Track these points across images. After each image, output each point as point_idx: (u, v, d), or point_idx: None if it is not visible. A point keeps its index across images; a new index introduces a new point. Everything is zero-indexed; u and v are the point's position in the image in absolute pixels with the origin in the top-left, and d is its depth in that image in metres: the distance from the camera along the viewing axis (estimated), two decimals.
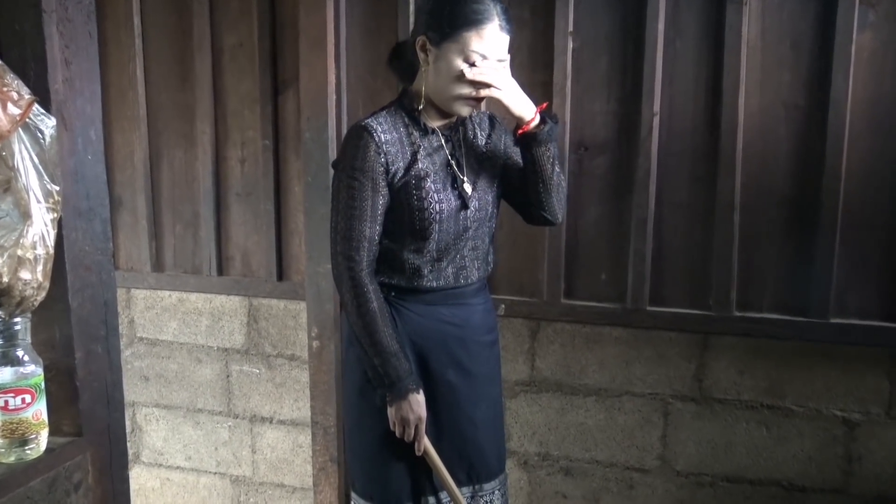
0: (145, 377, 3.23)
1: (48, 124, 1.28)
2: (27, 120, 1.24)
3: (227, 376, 3.12)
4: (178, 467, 3.29)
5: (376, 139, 1.82)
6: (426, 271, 1.94)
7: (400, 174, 1.86)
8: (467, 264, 1.99)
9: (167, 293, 3.13)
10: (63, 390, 1.51)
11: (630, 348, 2.60)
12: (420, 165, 1.87)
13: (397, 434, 1.91)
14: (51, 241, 1.31)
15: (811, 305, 2.39)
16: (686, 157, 2.45)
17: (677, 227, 2.49)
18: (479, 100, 1.85)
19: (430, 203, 1.87)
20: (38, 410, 1.33)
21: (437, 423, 1.97)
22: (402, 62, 1.96)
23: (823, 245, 2.34)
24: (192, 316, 3.11)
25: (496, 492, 2.10)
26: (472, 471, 2.04)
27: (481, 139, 2.03)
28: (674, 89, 2.42)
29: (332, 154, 2.69)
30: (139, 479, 3.32)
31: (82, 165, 1.45)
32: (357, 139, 1.83)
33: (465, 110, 1.87)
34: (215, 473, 3.24)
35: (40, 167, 1.26)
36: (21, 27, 1.34)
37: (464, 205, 1.92)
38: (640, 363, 2.60)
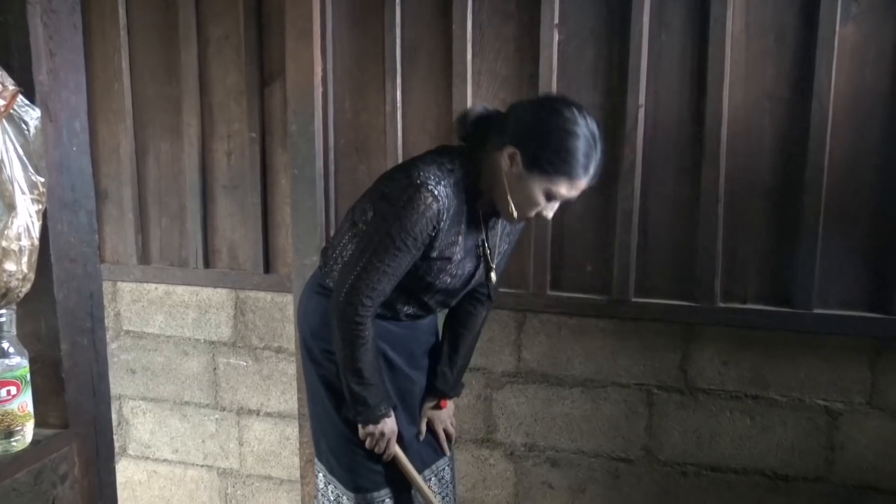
0: (132, 370, 3.23)
1: (32, 115, 1.28)
2: (11, 111, 1.23)
3: (214, 369, 3.12)
4: (165, 460, 3.29)
5: (439, 211, 1.78)
6: (410, 310, 2.02)
7: (438, 248, 1.85)
8: (450, 303, 2.11)
9: (153, 286, 3.12)
10: (49, 382, 1.51)
11: (615, 339, 2.62)
12: (457, 247, 1.88)
13: (367, 446, 1.99)
14: (36, 233, 1.31)
15: (795, 296, 2.41)
16: (671, 150, 2.46)
17: (662, 218, 2.50)
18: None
19: (444, 279, 1.92)
20: (23, 402, 1.33)
21: (408, 411, 2.10)
22: (476, 129, 1.91)
23: (806, 236, 2.37)
24: (179, 309, 3.11)
25: (446, 468, 2.24)
26: (432, 449, 2.20)
27: (504, 227, 2.07)
28: (659, 82, 2.44)
29: (319, 146, 2.69)
30: (126, 472, 3.32)
31: (67, 157, 1.45)
32: (421, 201, 1.76)
33: (514, 221, 1.91)
34: (202, 466, 3.24)
35: (25, 158, 1.26)
36: (5, 18, 1.33)
37: (470, 279, 1.99)
38: (625, 354, 2.62)
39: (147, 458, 3.31)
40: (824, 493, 2.53)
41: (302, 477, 2.96)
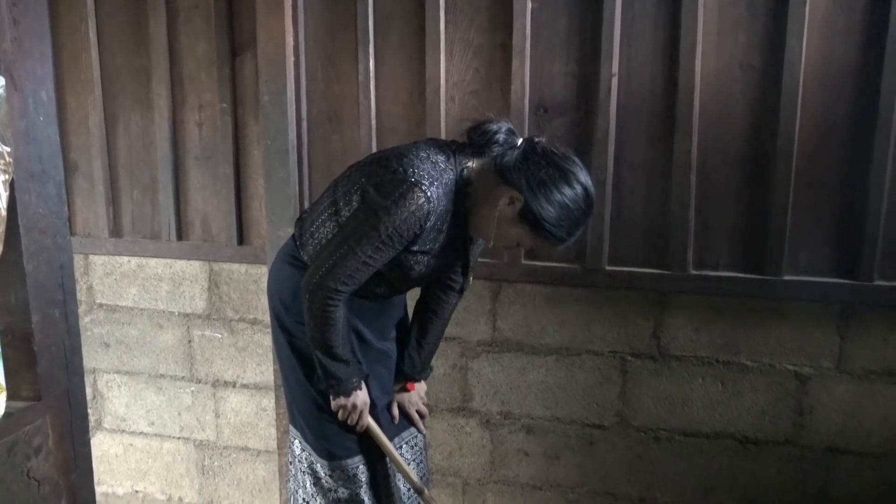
0: (106, 343, 3.21)
1: None
2: None
3: (189, 341, 3.11)
4: (141, 433, 3.29)
5: (428, 212, 1.79)
6: (382, 290, 2.04)
7: (420, 243, 1.86)
8: (422, 286, 2.16)
9: (126, 259, 3.10)
10: (20, 355, 1.50)
11: (589, 308, 2.64)
12: (437, 242, 1.90)
13: (340, 418, 2.02)
14: (3, 204, 1.30)
15: (765, 263, 2.44)
16: (644, 118, 2.47)
17: (635, 187, 2.52)
18: None
19: (419, 269, 1.93)
20: None
21: (380, 381, 2.13)
22: (487, 142, 1.88)
23: (777, 204, 2.39)
24: (152, 281, 3.09)
25: (419, 435, 2.28)
26: (402, 418, 2.23)
27: None
28: (632, 50, 2.44)
29: (292, 116, 2.67)
30: (102, 445, 3.31)
31: (34, 127, 1.43)
32: (413, 200, 1.76)
33: (486, 242, 1.95)
34: (179, 438, 3.24)
35: None
36: None
37: (445, 269, 2.07)
38: (599, 322, 2.65)
39: (123, 431, 3.31)
40: (794, 457, 2.59)
41: (279, 448, 2.97)
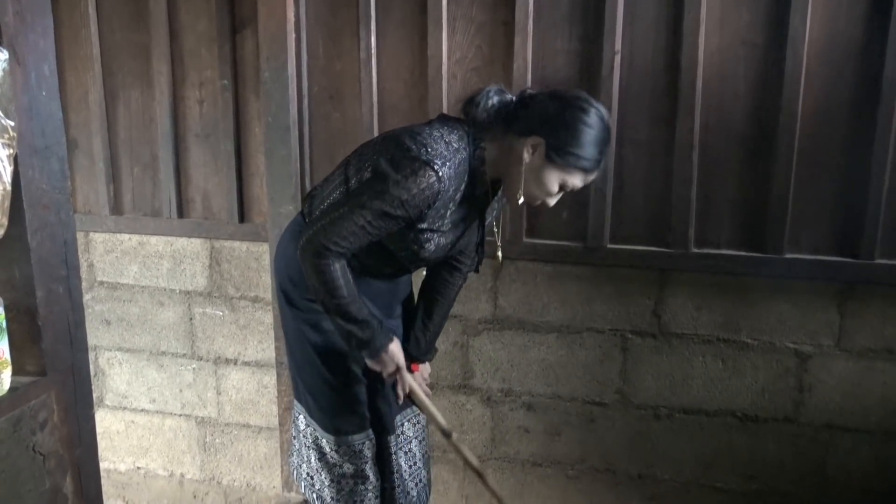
0: (107, 321, 3.21)
1: (0, 58, 1.25)
2: None
3: (191, 319, 3.12)
4: (142, 410, 3.30)
5: (438, 192, 1.79)
6: (389, 270, 2.04)
7: (428, 222, 1.86)
8: (429, 266, 2.15)
9: (127, 236, 3.09)
10: (25, 330, 1.51)
11: (591, 286, 2.64)
12: (446, 220, 1.90)
13: (386, 378, 2.05)
14: (8, 178, 1.30)
15: (766, 241, 2.45)
16: (646, 97, 2.46)
17: (637, 165, 2.51)
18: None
19: (428, 247, 1.92)
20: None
21: None
22: (491, 113, 1.88)
23: (779, 182, 2.39)
24: (153, 259, 3.09)
25: (420, 413, 2.27)
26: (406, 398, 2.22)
27: (498, 203, 2.13)
28: (635, 28, 2.42)
29: (293, 93, 2.66)
30: (103, 422, 3.33)
31: (36, 102, 1.43)
32: (424, 178, 1.76)
33: (517, 204, 1.92)
34: (180, 415, 3.26)
35: None
36: None
37: (452, 248, 2.02)
38: (600, 300, 2.65)
39: (124, 408, 3.32)
40: (793, 434, 2.60)
41: (280, 424, 2.98)
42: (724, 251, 2.50)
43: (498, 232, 2.11)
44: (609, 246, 2.57)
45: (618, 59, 2.43)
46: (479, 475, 2.16)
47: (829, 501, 2.62)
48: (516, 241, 2.63)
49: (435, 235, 1.90)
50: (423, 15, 2.56)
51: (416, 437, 2.26)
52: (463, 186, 1.86)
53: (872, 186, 2.33)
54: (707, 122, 2.42)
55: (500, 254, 2.06)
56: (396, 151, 1.81)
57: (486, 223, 2.09)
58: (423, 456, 2.26)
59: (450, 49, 2.57)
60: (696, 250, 2.51)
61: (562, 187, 1.85)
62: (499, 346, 2.78)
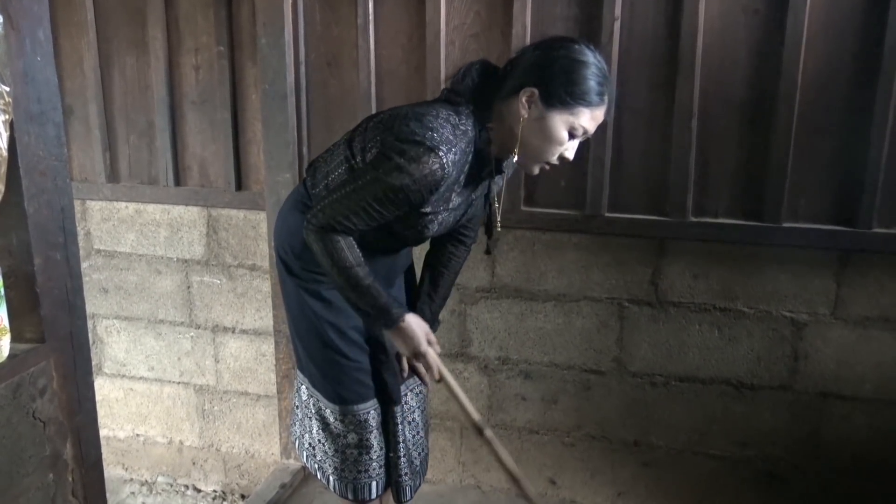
0: (104, 289, 3.22)
1: None
2: None
3: (188, 287, 3.12)
4: (141, 378, 3.32)
5: (442, 178, 1.73)
6: (392, 244, 2.02)
7: (431, 205, 1.82)
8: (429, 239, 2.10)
9: (123, 204, 3.09)
10: (23, 297, 1.51)
11: (588, 254, 2.65)
12: (450, 202, 1.86)
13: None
14: (4, 144, 1.29)
15: (764, 210, 2.45)
16: (646, 63, 2.45)
17: (636, 133, 2.50)
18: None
19: (432, 227, 1.89)
20: None
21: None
22: (480, 84, 1.84)
23: (778, 150, 2.39)
24: (150, 227, 3.08)
25: (421, 384, 2.26)
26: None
27: (507, 173, 2.09)
28: None
29: (290, 60, 2.64)
30: (102, 389, 3.34)
31: (32, 67, 1.42)
32: (428, 166, 1.70)
33: (536, 171, 1.86)
34: (179, 383, 3.27)
35: None
36: None
37: (456, 223, 1.99)
38: (597, 269, 2.65)
39: (123, 376, 3.34)
40: (788, 401, 2.62)
41: (279, 392, 3.00)
42: (721, 220, 2.50)
43: (499, 207, 2.05)
44: (607, 214, 2.57)
45: (617, 24, 2.41)
46: (515, 480, 2.08)
47: (823, 468, 2.65)
48: (514, 209, 2.62)
49: (439, 215, 1.88)
50: None
51: (419, 407, 2.25)
52: (467, 168, 1.82)
53: (871, 155, 2.32)
54: (706, 89, 2.41)
55: (498, 227, 2.03)
56: (402, 135, 1.76)
57: (491, 197, 2.05)
58: (424, 424, 2.27)
59: (448, 15, 2.55)
60: (693, 219, 2.51)
61: (572, 133, 1.77)
62: (496, 315, 2.79)
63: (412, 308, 2.18)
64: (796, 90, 2.33)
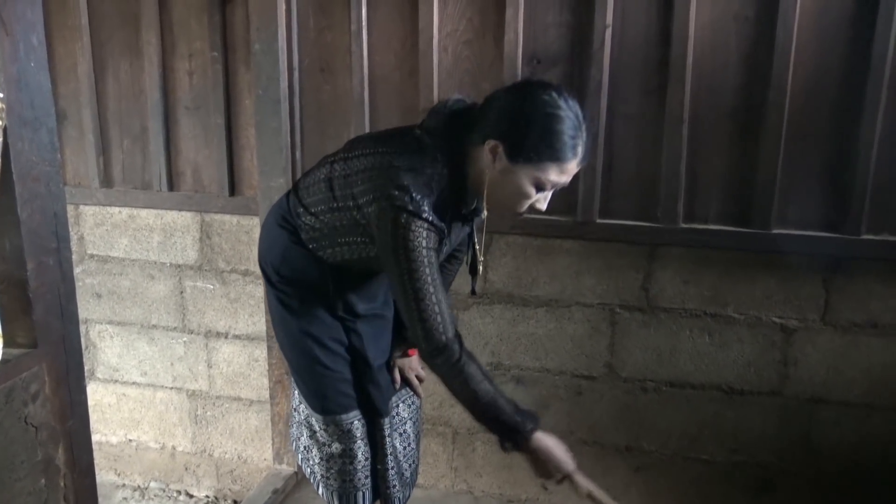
0: (97, 294, 3.22)
1: None
2: None
3: (181, 292, 3.12)
4: (133, 383, 3.31)
5: (440, 231, 1.70)
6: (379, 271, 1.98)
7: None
8: None
9: (117, 209, 3.09)
10: (16, 302, 1.51)
11: (580, 260, 2.66)
12: (444, 246, 1.81)
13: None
14: None
15: (754, 216, 2.46)
16: (637, 70, 2.46)
17: (627, 139, 2.52)
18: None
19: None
20: None
21: (379, 344, 2.07)
22: (453, 123, 1.77)
23: (767, 157, 2.40)
24: (144, 232, 3.09)
25: (413, 395, 2.26)
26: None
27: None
28: (626, 1, 2.42)
29: (284, 65, 2.66)
30: (95, 395, 3.34)
31: (25, 73, 1.42)
32: (419, 232, 1.66)
33: (508, 220, 1.83)
34: (171, 388, 3.27)
35: None
36: None
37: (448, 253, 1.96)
38: (589, 274, 2.67)
39: (116, 381, 3.33)
40: (778, 406, 2.63)
41: (271, 397, 3.00)
42: (712, 226, 2.52)
43: (480, 248, 1.98)
44: (598, 220, 2.58)
45: (609, 32, 2.43)
46: None
47: (814, 473, 2.66)
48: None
49: (443, 249, 1.84)
50: None
51: (410, 419, 2.23)
52: (450, 211, 1.77)
53: (860, 162, 2.34)
54: (697, 96, 2.43)
55: (480, 267, 1.99)
56: (383, 201, 1.70)
57: (473, 234, 2.02)
58: (416, 435, 2.25)
59: (441, 22, 2.56)
60: (684, 225, 2.52)
61: (540, 186, 1.70)
62: (488, 321, 2.80)
63: (402, 322, 2.11)
64: (786, 97, 2.34)
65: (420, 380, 2.28)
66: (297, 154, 2.78)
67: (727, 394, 2.66)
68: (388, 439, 2.09)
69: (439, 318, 1.74)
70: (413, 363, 2.24)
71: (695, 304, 2.61)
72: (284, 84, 2.68)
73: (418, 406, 2.29)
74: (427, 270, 1.71)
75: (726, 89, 2.41)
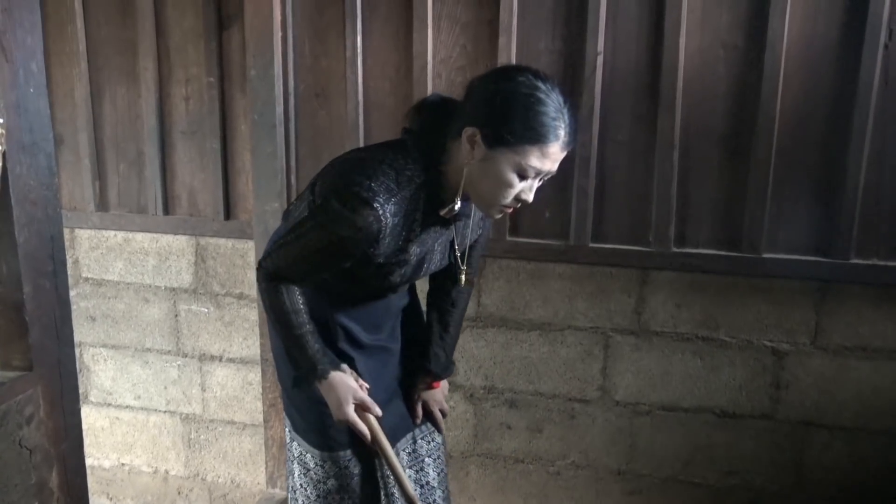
0: (92, 317, 3.22)
1: None
2: None
3: (176, 315, 3.13)
4: (127, 406, 3.31)
5: (379, 231, 1.64)
6: (362, 293, 1.94)
7: (384, 256, 1.73)
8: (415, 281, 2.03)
9: (112, 233, 3.10)
10: (12, 325, 1.52)
11: (573, 284, 2.68)
12: (410, 251, 1.76)
13: (335, 415, 1.89)
14: None
15: (745, 241, 2.49)
16: (628, 96, 2.50)
17: (619, 165, 2.55)
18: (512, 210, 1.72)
19: (404, 271, 1.82)
20: None
21: (381, 382, 2.01)
22: (434, 120, 1.73)
23: (757, 182, 2.43)
24: (139, 255, 3.10)
25: (435, 431, 2.18)
26: (403, 424, 2.10)
27: (476, 218, 1.95)
28: (617, 29, 2.46)
29: (279, 91, 2.68)
30: (88, 418, 3.33)
31: (24, 98, 1.44)
32: (362, 218, 1.61)
33: (495, 215, 1.74)
34: (165, 412, 3.27)
35: None
36: None
37: (437, 265, 1.92)
38: (582, 298, 2.68)
39: (109, 404, 3.33)
40: (769, 430, 2.64)
41: (265, 421, 3.00)
42: (703, 250, 2.54)
43: (462, 256, 1.93)
44: (591, 245, 2.60)
45: (600, 59, 2.46)
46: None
47: (806, 497, 2.67)
48: (499, 239, 2.66)
49: (402, 267, 1.80)
50: (409, 14, 2.58)
51: (428, 455, 2.14)
52: (420, 216, 1.72)
53: (848, 187, 2.37)
54: (687, 123, 2.46)
55: (462, 278, 1.94)
56: (344, 182, 1.67)
57: (477, 235, 1.98)
58: (438, 475, 2.14)
59: (435, 48, 2.59)
60: (676, 249, 2.54)
61: (522, 173, 1.61)
62: (482, 344, 2.81)
63: (421, 351, 2.10)
64: (774, 123, 2.38)
65: (444, 414, 2.19)
66: (293, 178, 2.80)
67: (719, 417, 2.67)
68: (388, 479, 2.00)
69: (289, 271, 1.75)
70: (437, 396, 2.16)
71: (687, 328, 2.63)
72: (280, 109, 2.70)
73: (440, 443, 2.19)
74: (315, 255, 1.71)
75: (716, 116, 2.45)
